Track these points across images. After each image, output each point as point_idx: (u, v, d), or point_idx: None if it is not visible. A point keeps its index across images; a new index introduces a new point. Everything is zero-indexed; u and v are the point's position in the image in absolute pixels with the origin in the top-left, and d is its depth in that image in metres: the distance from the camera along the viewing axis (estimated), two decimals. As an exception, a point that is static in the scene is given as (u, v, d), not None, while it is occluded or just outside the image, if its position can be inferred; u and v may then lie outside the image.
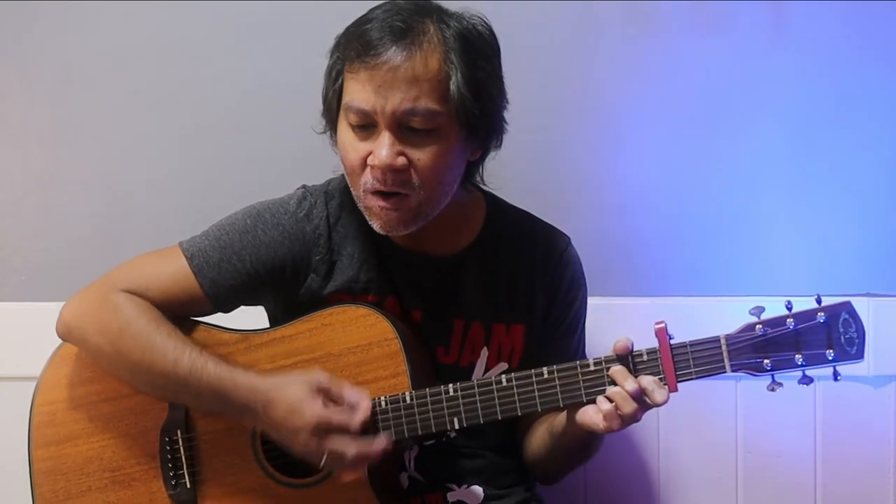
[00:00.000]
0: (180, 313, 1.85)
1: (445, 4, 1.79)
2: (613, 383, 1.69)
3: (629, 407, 1.67)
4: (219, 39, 2.26)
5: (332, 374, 1.78)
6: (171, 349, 1.78)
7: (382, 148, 1.71)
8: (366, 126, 1.73)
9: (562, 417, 1.79)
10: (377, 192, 1.74)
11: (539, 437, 1.89)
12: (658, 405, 1.67)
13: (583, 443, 1.82)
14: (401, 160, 1.72)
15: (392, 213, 1.75)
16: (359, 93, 1.71)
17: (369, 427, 1.73)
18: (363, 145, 1.74)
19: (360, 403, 1.72)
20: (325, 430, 1.70)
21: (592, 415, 1.70)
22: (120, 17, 2.26)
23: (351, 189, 1.80)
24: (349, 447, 1.70)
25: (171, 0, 2.25)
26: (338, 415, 1.71)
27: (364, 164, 1.74)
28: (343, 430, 1.70)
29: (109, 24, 2.26)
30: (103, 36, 2.27)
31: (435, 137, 1.73)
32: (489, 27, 1.79)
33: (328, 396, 1.73)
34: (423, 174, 1.73)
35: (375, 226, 1.78)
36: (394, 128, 1.71)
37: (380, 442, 1.71)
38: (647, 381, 1.67)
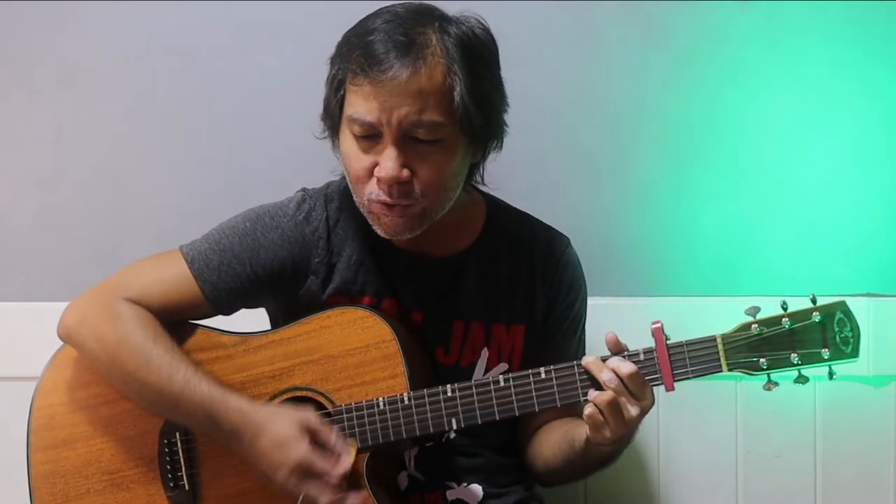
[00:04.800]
0: (181, 317, 1.86)
1: (448, 6, 1.78)
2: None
3: (606, 377, 1.66)
4: (220, 40, 2.26)
5: (332, 376, 1.80)
6: (166, 365, 1.78)
7: (388, 161, 1.71)
8: (370, 137, 1.73)
9: (583, 431, 1.76)
10: (382, 203, 1.74)
11: (555, 446, 1.87)
12: (625, 374, 1.66)
13: (609, 454, 1.79)
14: (405, 172, 1.71)
15: (397, 219, 1.75)
16: (363, 105, 1.70)
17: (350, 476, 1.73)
18: (368, 157, 1.73)
19: (344, 456, 1.72)
20: (304, 472, 1.71)
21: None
22: (120, 17, 2.26)
23: (354, 196, 1.80)
24: (324, 495, 1.70)
25: (172, 0, 2.25)
26: (321, 461, 1.71)
27: (369, 175, 1.74)
28: (322, 477, 1.71)
29: (109, 24, 2.27)
30: (103, 36, 2.27)
31: (439, 147, 1.73)
32: (487, 29, 1.78)
33: (315, 438, 1.73)
34: (425, 184, 1.73)
35: (380, 231, 1.78)
36: (399, 140, 1.70)
37: (355, 498, 1.72)
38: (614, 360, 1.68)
